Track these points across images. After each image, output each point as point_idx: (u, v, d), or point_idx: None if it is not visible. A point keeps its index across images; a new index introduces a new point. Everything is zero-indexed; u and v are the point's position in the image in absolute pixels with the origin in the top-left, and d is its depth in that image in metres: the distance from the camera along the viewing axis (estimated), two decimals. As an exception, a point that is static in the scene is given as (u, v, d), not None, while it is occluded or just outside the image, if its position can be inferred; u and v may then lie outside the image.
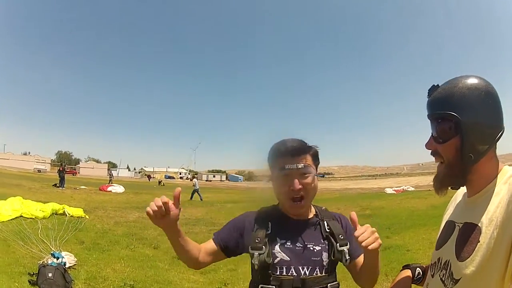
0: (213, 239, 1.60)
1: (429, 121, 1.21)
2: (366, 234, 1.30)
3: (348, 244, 1.49)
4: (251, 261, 1.45)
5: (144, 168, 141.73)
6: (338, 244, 1.47)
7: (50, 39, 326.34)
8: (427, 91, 1.21)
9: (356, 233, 1.31)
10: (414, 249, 7.20)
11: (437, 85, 1.19)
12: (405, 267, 1.51)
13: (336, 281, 1.49)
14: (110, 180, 33.65)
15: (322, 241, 1.50)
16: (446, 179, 1.18)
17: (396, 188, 30.93)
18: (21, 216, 9.31)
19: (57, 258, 5.10)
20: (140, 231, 9.41)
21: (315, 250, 1.47)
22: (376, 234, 1.32)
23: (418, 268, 1.46)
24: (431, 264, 1.28)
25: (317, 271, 1.44)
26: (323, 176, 1.61)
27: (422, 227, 9.50)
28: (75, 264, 5.46)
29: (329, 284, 1.45)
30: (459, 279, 1.05)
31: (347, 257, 1.46)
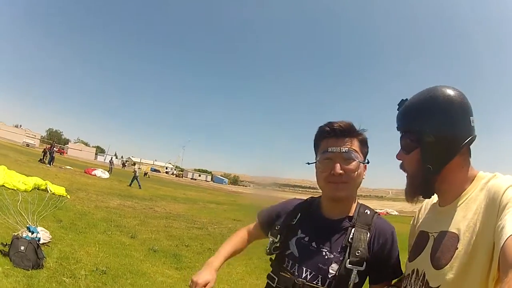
0: (257, 222, 1.69)
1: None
2: None
3: (365, 265, 1.28)
4: (266, 248, 1.48)
5: (131, 157, 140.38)
6: (349, 259, 1.27)
7: (50, 16, 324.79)
8: (397, 105, 1.25)
9: None
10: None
11: (406, 99, 1.22)
12: None
13: None
14: (110, 169, 32.57)
15: (339, 251, 1.32)
16: (411, 190, 1.21)
17: (379, 210, 30.68)
18: (3, 185, 9.17)
19: (32, 233, 4.99)
20: (119, 218, 9.31)
21: (326, 257, 1.32)
22: None
23: (391, 287, 1.40)
24: (405, 276, 1.27)
25: (318, 280, 1.30)
26: (368, 163, 1.57)
27: (404, 251, 9.24)
28: (49, 242, 5.34)
29: None
30: (437, 287, 1.04)
31: (353, 279, 1.26)
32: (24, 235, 4.76)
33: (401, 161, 1.24)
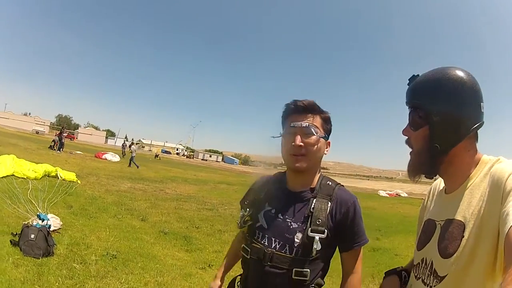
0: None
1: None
2: None
3: (327, 233, 1.37)
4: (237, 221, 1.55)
5: (142, 140, 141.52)
6: (310, 228, 1.36)
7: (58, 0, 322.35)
8: (408, 80, 1.22)
9: None
10: (402, 255, 7.17)
11: (417, 74, 1.19)
12: (391, 272, 1.45)
13: (307, 268, 1.36)
14: (123, 153, 32.47)
15: (303, 220, 1.41)
16: (416, 167, 1.19)
17: (389, 192, 30.88)
18: (13, 175, 9.27)
19: (42, 220, 5.03)
20: (130, 202, 9.39)
21: (291, 227, 1.41)
22: None
23: (403, 272, 1.41)
24: (415, 265, 1.26)
25: (286, 249, 1.38)
26: (327, 139, 1.58)
27: (412, 234, 9.24)
28: (60, 228, 5.40)
29: (295, 269, 1.35)
30: (445, 276, 1.04)
31: (316, 247, 1.33)
32: (34, 223, 4.79)
33: (407, 137, 1.21)
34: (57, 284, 3.61)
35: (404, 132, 1.21)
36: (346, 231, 1.42)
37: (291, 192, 1.50)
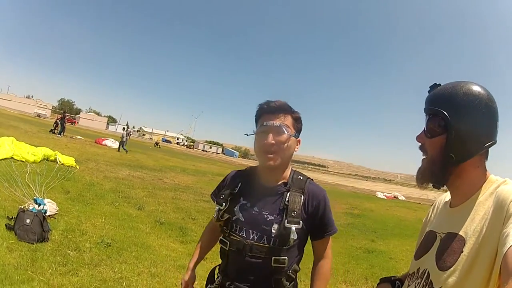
0: (211, 197, 1.78)
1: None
2: None
3: (302, 224, 1.51)
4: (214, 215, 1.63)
5: (143, 127, 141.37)
6: (286, 220, 1.48)
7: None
8: (429, 87, 1.23)
9: None
10: (397, 258, 7.18)
11: (439, 84, 1.21)
12: (384, 279, 1.46)
13: (284, 256, 1.49)
14: (126, 141, 32.15)
15: (278, 212, 1.52)
16: (426, 174, 1.20)
17: (387, 194, 30.76)
18: (12, 157, 9.26)
19: (39, 205, 5.03)
20: (128, 189, 9.40)
21: (268, 219, 1.51)
22: None
23: (397, 282, 1.41)
24: (409, 274, 1.27)
25: (264, 240, 1.49)
26: (297, 137, 1.70)
27: (408, 238, 9.50)
28: (55, 213, 5.40)
29: (273, 257, 1.47)
30: None
31: (293, 236, 1.46)
32: (30, 208, 4.79)
33: (420, 143, 1.22)
34: (50, 270, 3.61)
35: (419, 139, 1.22)
36: (317, 222, 1.58)
37: (265, 187, 1.60)
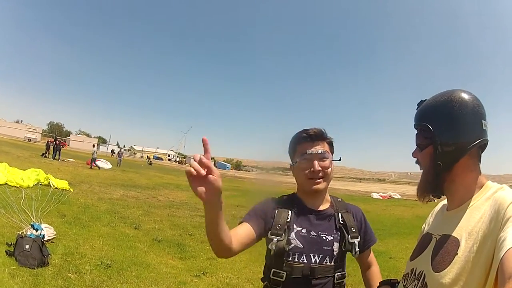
0: (246, 222, 1.56)
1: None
2: None
3: (359, 237, 1.62)
4: (268, 246, 1.54)
5: (133, 146, 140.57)
6: (349, 236, 1.58)
7: (47, 6, 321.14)
8: (416, 105, 1.32)
9: None
10: (397, 257, 7.23)
11: (425, 99, 1.29)
12: (384, 282, 1.53)
13: (344, 271, 1.60)
14: (119, 162, 31.87)
15: (335, 232, 1.60)
16: (423, 186, 1.25)
17: (382, 194, 30.75)
18: (6, 183, 9.25)
19: (36, 230, 5.06)
20: (123, 210, 9.42)
21: (327, 240, 1.57)
22: None
23: (397, 284, 1.45)
24: (404, 274, 1.29)
25: (326, 260, 1.54)
26: (339, 160, 1.87)
27: (406, 236, 9.56)
28: (53, 238, 5.44)
29: (336, 274, 1.55)
30: None
31: (357, 249, 1.57)
32: (28, 233, 4.83)
33: (416, 158, 1.29)
34: (53, 294, 3.65)
35: (414, 154, 1.29)
36: (363, 234, 1.68)
37: (315, 211, 1.65)
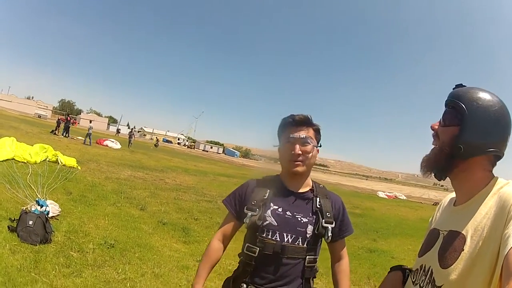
0: (229, 212, 1.79)
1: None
2: None
3: (334, 224, 1.68)
4: (244, 220, 1.66)
5: (144, 128, 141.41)
6: (324, 220, 1.65)
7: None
8: (454, 85, 1.28)
9: None
10: (399, 257, 7.17)
11: (464, 85, 1.25)
12: (395, 268, 1.49)
13: (316, 256, 1.67)
14: (129, 142, 31.49)
15: (311, 215, 1.67)
16: (432, 161, 1.23)
17: (388, 193, 30.82)
18: (13, 158, 9.25)
19: (41, 206, 5.00)
20: (130, 190, 9.38)
21: (302, 221, 1.64)
22: None
23: (407, 270, 1.43)
24: (413, 271, 1.30)
25: (299, 242, 1.62)
26: (320, 146, 1.91)
27: (409, 237, 9.53)
28: (58, 215, 5.38)
29: (307, 256, 1.63)
30: (441, 286, 1.08)
31: (330, 234, 1.64)
32: (33, 209, 4.77)
33: (434, 131, 1.26)
34: (53, 272, 3.59)
35: (434, 125, 1.26)
36: (339, 223, 1.74)
37: (294, 193, 1.73)
